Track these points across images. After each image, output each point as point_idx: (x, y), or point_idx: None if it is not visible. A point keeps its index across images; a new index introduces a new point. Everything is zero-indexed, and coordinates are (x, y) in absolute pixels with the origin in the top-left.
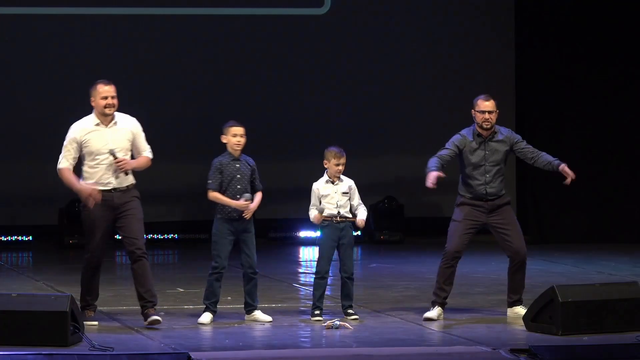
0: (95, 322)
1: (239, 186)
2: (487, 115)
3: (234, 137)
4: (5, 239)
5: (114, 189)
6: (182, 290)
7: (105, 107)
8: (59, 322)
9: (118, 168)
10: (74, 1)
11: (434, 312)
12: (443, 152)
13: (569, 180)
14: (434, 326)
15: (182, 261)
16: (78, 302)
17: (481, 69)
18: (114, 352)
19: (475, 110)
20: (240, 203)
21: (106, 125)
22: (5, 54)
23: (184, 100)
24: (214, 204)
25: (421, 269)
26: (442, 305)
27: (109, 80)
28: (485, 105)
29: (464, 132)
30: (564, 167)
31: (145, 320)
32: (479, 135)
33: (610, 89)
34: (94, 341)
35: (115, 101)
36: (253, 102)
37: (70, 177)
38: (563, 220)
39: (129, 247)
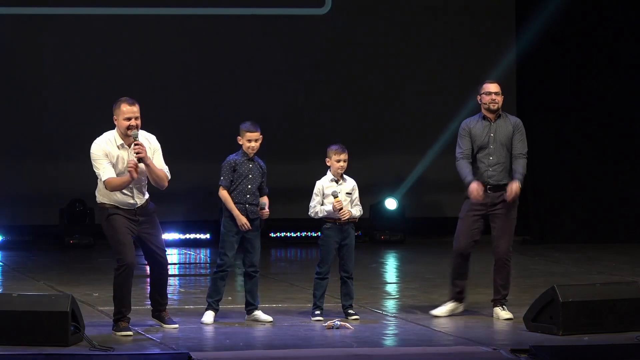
0: (130, 332)
1: (249, 186)
2: (493, 96)
3: (249, 141)
4: (5, 239)
5: (138, 208)
6: (182, 290)
7: (128, 128)
8: (60, 322)
9: (134, 151)
10: (74, 1)
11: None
12: (464, 148)
13: (507, 197)
14: (434, 326)
15: (183, 261)
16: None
17: (482, 70)
18: (114, 352)
19: (481, 94)
20: (243, 220)
21: (129, 146)
22: (5, 54)
23: (184, 100)
24: (220, 202)
25: (421, 269)
26: (456, 299)
27: (133, 100)
28: (491, 87)
29: (467, 119)
30: (510, 184)
31: (162, 321)
32: (485, 118)
33: (612, 88)
34: (94, 341)
35: (138, 122)
36: (253, 102)
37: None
38: (563, 220)
39: (156, 256)
